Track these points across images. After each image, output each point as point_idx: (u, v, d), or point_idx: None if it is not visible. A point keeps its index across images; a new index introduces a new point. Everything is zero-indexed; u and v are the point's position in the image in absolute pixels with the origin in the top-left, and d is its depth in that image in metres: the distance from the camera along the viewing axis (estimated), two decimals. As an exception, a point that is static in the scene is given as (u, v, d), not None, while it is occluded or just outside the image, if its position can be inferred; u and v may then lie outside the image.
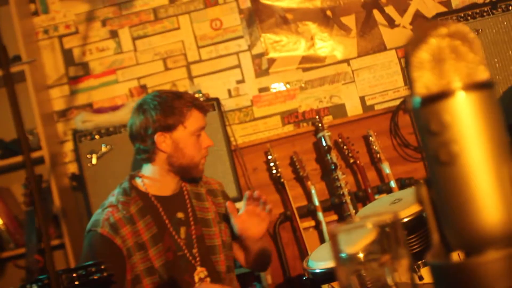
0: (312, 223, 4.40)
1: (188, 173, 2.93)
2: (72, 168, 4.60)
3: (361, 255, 1.01)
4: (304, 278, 2.49)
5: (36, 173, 4.16)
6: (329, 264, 2.37)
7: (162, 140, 2.82)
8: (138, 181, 2.93)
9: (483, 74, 0.80)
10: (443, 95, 0.79)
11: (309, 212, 4.35)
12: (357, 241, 1.00)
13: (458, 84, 0.79)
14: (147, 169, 2.93)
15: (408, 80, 0.82)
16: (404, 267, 0.95)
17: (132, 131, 2.88)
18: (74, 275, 2.41)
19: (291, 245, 4.39)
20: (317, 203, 4.22)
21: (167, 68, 4.71)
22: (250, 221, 2.91)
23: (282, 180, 4.31)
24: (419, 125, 0.82)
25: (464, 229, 0.80)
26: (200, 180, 3.09)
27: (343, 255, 0.99)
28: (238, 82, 4.68)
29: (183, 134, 2.83)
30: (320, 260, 2.47)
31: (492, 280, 0.75)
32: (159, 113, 2.79)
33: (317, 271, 2.43)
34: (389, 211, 2.67)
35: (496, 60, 3.86)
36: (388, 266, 0.96)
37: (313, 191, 4.24)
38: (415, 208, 2.38)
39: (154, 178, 2.91)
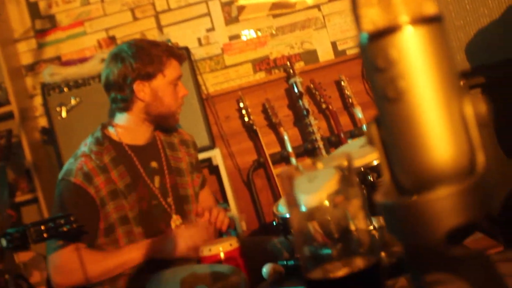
0: (286, 169, 4.40)
1: (165, 122, 2.91)
2: (43, 122, 4.54)
3: (326, 203, 0.99)
4: (274, 223, 2.49)
5: (6, 128, 4.12)
6: (305, 198, 2.36)
7: (141, 89, 2.78)
8: (111, 130, 2.90)
9: (431, 8, 0.78)
10: (390, 30, 0.77)
11: (282, 158, 4.35)
12: (317, 188, 0.99)
13: (405, 18, 0.77)
14: (121, 118, 2.89)
15: (355, 17, 0.80)
16: (358, 209, 0.94)
17: (108, 80, 2.82)
18: (42, 227, 2.40)
19: (265, 191, 4.40)
20: (290, 149, 4.22)
21: (135, 18, 4.64)
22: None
23: (254, 127, 4.29)
24: (367, 63, 0.80)
25: (414, 167, 0.78)
26: (174, 130, 3.08)
27: (302, 208, 0.98)
28: (208, 30, 4.62)
29: (162, 83, 2.80)
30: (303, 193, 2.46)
31: (442, 217, 0.74)
32: (138, 61, 2.75)
33: (287, 215, 2.43)
34: (359, 154, 2.68)
35: (466, 1, 3.84)
36: (347, 209, 0.95)
37: (285, 137, 4.23)
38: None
39: (128, 127, 2.88)
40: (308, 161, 0.91)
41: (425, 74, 0.77)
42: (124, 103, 2.83)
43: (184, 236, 2.73)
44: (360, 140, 2.89)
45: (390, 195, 0.81)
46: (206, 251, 2.80)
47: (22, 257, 3.77)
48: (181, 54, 2.91)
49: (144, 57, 2.76)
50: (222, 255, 2.78)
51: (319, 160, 0.95)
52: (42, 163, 4.41)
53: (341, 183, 0.95)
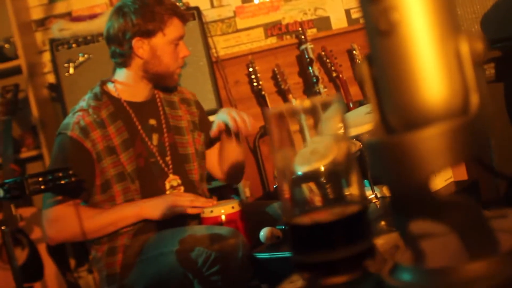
0: (293, 137, 4.34)
1: (162, 81, 2.87)
2: (51, 78, 4.50)
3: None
4: (274, 186, 2.46)
5: (13, 82, 4.08)
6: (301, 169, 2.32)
7: (140, 46, 2.75)
8: (110, 86, 2.87)
9: None
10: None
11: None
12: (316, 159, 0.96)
13: None
14: (121, 74, 2.87)
15: None
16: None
17: (109, 34, 2.80)
18: (40, 179, 2.37)
19: (271, 159, 4.35)
20: (298, 116, 4.16)
21: (148, -23, 4.56)
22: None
23: (263, 93, 4.24)
24: (361, -5, 0.76)
25: (405, 105, 0.74)
26: (174, 89, 3.03)
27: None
28: (221, -8, 4.55)
29: (162, 41, 2.77)
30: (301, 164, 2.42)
31: (431, 157, 0.69)
32: (139, 17, 2.71)
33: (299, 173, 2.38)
34: (365, 120, 2.63)
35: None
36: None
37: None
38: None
39: (127, 84, 2.86)
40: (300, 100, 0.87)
41: (419, 6, 0.72)
42: (123, 58, 2.80)
43: (180, 201, 2.71)
44: (367, 107, 2.84)
45: (378, 135, 0.77)
46: (207, 213, 2.77)
47: (23, 212, 3.75)
48: (185, 14, 2.86)
49: (145, 14, 2.72)
50: (223, 217, 2.75)
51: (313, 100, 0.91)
52: (49, 119, 4.38)
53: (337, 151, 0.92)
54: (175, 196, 2.74)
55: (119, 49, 2.78)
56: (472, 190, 2.55)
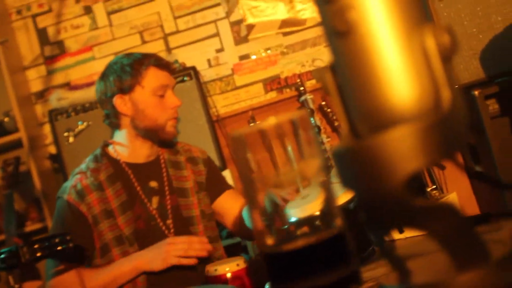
0: (298, 190, 4.27)
1: (156, 136, 2.81)
2: (53, 150, 4.48)
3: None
4: (285, 227, 2.38)
5: (14, 156, 4.06)
6: (303, 212, 2.25)
7: (121, 103, 2.72)
8: (110, 148, 2.85)
9: None
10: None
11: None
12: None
13: None
14: (118, 135, 2.84)
15: None
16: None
17: (97, 98, 2.81)
18: (35, 246, 2.31)
19: (279, 214, 4.27)
20: (303, 168, 4.09)
21: (144, 42, 4.58)
22: None
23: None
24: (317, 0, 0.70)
25: (372, 109, 0.67)
26: (176, 146, 2.98)
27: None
28: (218, 51, 4.55)
29: (142, 94, 2.72)
30: (293, 208, 2.35)
31: (401, 160, 0.63)
32: (115, 76, 2.71)
33: (293, 219, 2.31)
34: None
35: (479, 9, 3.73)
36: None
37: (298, 156, 4.12)
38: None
39: (124, 144, 2.82)
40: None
41: (377, 2, 0.67)
42: (111, 119, 2.79)
43: (175, 245, 2.63)
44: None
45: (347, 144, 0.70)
46: (211, 271, 2.68)
47: (30, 286, 3.68)
48: (164, 61, 2.81)
49: (121, 71, 2.71)
50: (228, 275, 2.66)
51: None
52: (52, 191, 4.32)
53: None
54: (169, 245, 2.65)
55: (106, 111, 2.77)
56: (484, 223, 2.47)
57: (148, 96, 2.73)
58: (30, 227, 4.28)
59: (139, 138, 2.80)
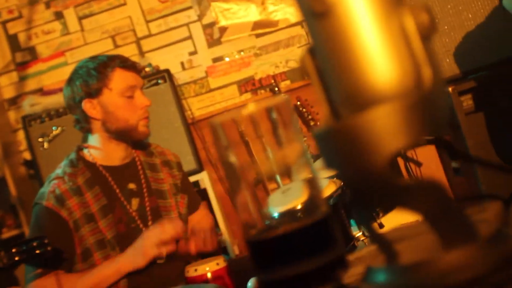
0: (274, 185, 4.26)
1: (129, 136, 2.79)
2: (28, 156, 4.44)
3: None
4: (266, 223, 2.37)
5: (-12, 163, 4.02)
6: (287, 206, 2.25)
7: (90, 107, 2.70)
8: (85, 152, 2.82)
9: None
10: None
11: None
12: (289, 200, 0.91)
13: None
14: (92, 139, 2.82)
15: None
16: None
17: (65, 104, 2.78)
18: (13, 250, 2.28)
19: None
20: (279, 168, 4.09)
21: (116, 46, 4.56)
22: None
23: (246, 138, 4.16)
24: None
25: (352, 91, 0.67)
26: (150, 148, 2.97)
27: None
28: (191, 53, 4.54)
29: (110, 97, 2.70)
30: (277, 205, 2.35)
31: (384, 139, 0.63)
32: (82, 80, 2.68)
33: (275, 215, 2.31)
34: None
35: (449, 6, 3.76)
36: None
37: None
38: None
39: (99, 148, 2.80)
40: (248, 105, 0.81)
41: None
42: (81, 123, 2.76)
43: (149, 236, 2.61)
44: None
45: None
46: (192, 272, 2.67)
47: (8, 293, 3.65)
48: (130, 62, 2.78)
49: (87, 75, 2.68)
50: (209, 275, 2.66)
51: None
52: (28, 197, 4.28)
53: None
54: (144, 239, 2.64)
55: (76, 115, 2.75)
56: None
57: (117, 98, 2.71)
58: (6, 234, 4.24)
59: (113, 141, 2.78)
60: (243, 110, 0.82)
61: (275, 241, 0.79)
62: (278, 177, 0.92)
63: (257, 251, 0.80)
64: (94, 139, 2.79)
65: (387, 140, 0.63)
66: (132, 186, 2.81)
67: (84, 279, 2.61)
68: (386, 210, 2.03)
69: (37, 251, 2.31)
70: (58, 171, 2.75)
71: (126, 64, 2.74)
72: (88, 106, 2.69)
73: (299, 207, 0.94)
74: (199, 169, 3.95)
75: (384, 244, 0.71)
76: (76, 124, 2.80)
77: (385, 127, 0.63)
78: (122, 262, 2.61)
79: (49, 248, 2.35)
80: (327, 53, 0.69)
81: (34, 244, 2.32)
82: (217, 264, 2.69)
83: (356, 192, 0.68)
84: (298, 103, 4.28)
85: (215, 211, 4.01)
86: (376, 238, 0.71)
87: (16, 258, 2.27)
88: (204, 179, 3.97)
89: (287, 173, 0.86)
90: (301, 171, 0.83)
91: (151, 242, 2.58)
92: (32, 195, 4.30)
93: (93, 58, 2.77)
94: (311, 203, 0.85)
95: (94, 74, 2.68)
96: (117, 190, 2.75)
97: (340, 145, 0.65)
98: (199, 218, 3.03)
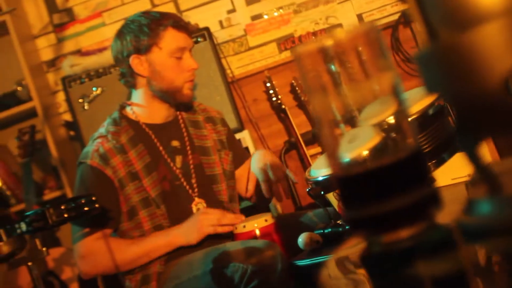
0: (319, 149, 4.21)
1: (173, 98, 2.78)
2: (68, 117, 4.43)
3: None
4: (308, 190, 2.34)
5: (29, 125, 4.02)
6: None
7: (138, 63, 2.69)
8: (128, 110, 2.81)
9: None
10: None
11: (314, 137, 4.16)
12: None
13: None
14: (135, 96, 2.81)
15: None
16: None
17: (113, 56, 2.77)
18: (62, 207, 2.27)
19: (299, 174, 4.22)
20: (321, 126, 4.02)
21: (154, 5, 4.51)
22: None
23: (283, 106, 4.12)
24: None
25: (455, 9, 0.62)
26: (193, 107, 2.94)
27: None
28: (229, 12, 4.47)
29: (159, 56, 2.68)
30: (322, 168, 2.31)
31: (498, 56, 0.57)
32: (132, 35, 2.67)
33: (320, 178, 2.27)
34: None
35: None
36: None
37: (316, 115, 4.04)
38: (419, 106, 2.22)
39: (142, 105, 2.78)
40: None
41: None
42: (126, 78, 2.75)
43: (208, 215, 2.60)
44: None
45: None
46: (240, 228, 2.66)
47: (52, 253, 3.66)
48: (183, 23, 2.75)
49: (139, 30, 2.66)
50: (257, 231, 2.64)
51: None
52: (69, 159, 4.29)
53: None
54: (202, 215, 2.62)
55: (122, 70, 2.73)
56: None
57: (165, 58, 2.68)
58: (48, 195, 4.25)
59: (156, 99, 2.77)
60: (329, 38, 0.77)
61: (364, 176, 0.74)
62: (342, 126, 0.86)
63: (345, 187, 0.75)
64: (138, 96, 2.78)
65: (500, 58, 0.57)
66: (175, 143, 2.79)
67: (135, 247, 2.61)
68: (497, 135, 1.95)
69: (86, 208, 2.30)
70: (102, 130, 2.73)
71: (179, 24, 2.71)
72: (136, 62, 2.67)
73: (365, 153, 0.88)
74: (240, 128, 3.92)
75: (488, 174, 0.66)
76: (121, 78, 2.78)
77: (496, 44, 0.58)
78: (175, 235, 2.61)
79: (97, 206, 2.33)
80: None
81: (82, 201, 2.31)
82: (266, 220, 2.67)
83: (463, 115, 0.63)
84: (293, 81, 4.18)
85: (257, 170, 3.96)
86: (480, 168, 0.66)
87: (65, 216, 2.26)
88: (245, 138, 3.93)
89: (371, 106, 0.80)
90: (391, 103, 0.77)
91: (209, 222, 2.57)
92: (73, 156, 4.32)
93: (146, 13, 2.74)
94: (385, 144, 0.80)
95: (146, 30, 2.65)
96: (161, 148, 2.73)
97: (447, 66, 0.60)
98: (246, 171, 2.99)
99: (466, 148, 0.66)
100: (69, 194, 4.13)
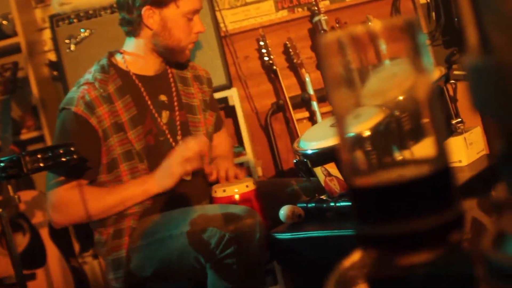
0: (306, 114, 4.13)
1: (172, 56, 2.73)
2: (52, 57, 4.30)
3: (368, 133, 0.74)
4: (295, 161, 2.27)
5: (11, 61, 3.89)
6: (323, 143, 2.13)
7: (150, 15, 2.60)
8: (119, 58, 2.71)
9: None
10: None
11: (303, 102, 4.07)
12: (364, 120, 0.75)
13: None
14: (130, 45, 2.71)
15: None
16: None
17: (118, 0, 2.66)
18: (38, 156, 2.19)
19: (283, 137, 4.15)
20: (311, 91, 3.94)
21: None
22: None
23: (275, 67, 4.01)
24: None
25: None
26: (186, 64, 2.87)
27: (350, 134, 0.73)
28: (228, -37, 4.33)
29: (174, 13, 2.62)
30: (312, 140, 2.23)
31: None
32: None
33: (309, 152, 2.20)
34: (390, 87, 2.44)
35: None
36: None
37: (307, 79, 3.96)
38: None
39: (136, 54, 2.70)
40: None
41: None
42: (131, 26, 2.65)
43: (174, 155, 2.54)
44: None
45: (477, 56, 0.55)
46: (220, 192, 2.60)
47: (24, 195, 3.57)
48: None
49: None
50: (237, 196, 2.58)
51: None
52: (50, 99, 4.18)
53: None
54: (170, 160, 2.56)
55: (128, 16, 2.64)
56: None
57: (179, 17, 2.64)
58: (26, 135, 4.15)
59: (154, 53, 2.70)
60: (360, 27, 0.67)
61: (383, 190, 0.65)
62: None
63: (361, 199, 0.67)
64: (135, 45, 2.69)
65: None
66: (163, 98, 2.73)
67: (110, 195, 2.55)
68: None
69: (63, 159, 2.22)
70: (88, 76, 2.64)
71: None
72: (148, 13, 2.59)
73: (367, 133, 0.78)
74: (229, 85, 3.82)
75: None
76: (124, 24, 2.68)
77: None
78: (151, 183, 2.56)
79: (75, 157, 2.26)
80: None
81: (60, 151, 2.22)
82: (246, 186, 2.61)
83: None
84: (337, 25, 4.10)
85: (242, 130, 3.90)
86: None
87: (41, 165, 2.18)
88: (233, 95, 3.84)
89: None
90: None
91: (176, 161, 2.51)
92: (54, 97, 4.21)
93: None
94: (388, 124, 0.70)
95: None
96: (149, 102, 2.67)
97: (503, 85, 0.51)
98: (221, 140, 2.98)
99: (507, 179, 0.57)
100: (47, 135, 4.03)
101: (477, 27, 0.57)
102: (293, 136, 4.03)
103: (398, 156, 0.68)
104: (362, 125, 0.73)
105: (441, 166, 0.65)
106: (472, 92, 0.55)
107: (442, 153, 0.66)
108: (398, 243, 0.63)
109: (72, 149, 2.23)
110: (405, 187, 0.64)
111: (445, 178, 0.64)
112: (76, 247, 3.91)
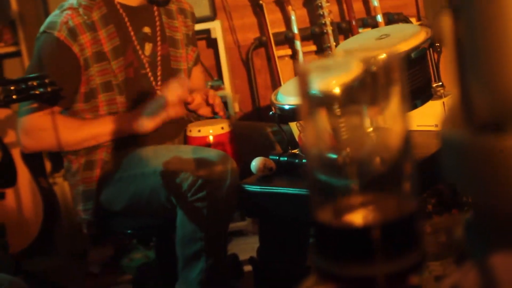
0: (289, 51, 4.08)
1: None
2: (34, -31, 4.17)
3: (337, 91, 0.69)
4: (270, 113, 2.25)
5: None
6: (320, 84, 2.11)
7: None
8: None
9: None
10: None
11: (286, 39, 4.02)
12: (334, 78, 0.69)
13: None
14: None
15: None
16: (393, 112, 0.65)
17: None
18: (12, 88, 2.15)
19: (263, 73, 4.12)
20: (296, 30, 3.89)
21: None
22: None
23: (260, 1, 3.94)
24: None
25: (505, 89, 0.51)
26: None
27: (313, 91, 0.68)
28: None
29: None
30: (290, 95, 2.22)
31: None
32: None
33: (286, 107, 2.18)
34: (377, 46, 2.40)
35: None
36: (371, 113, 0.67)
37: (293, 17, 3.90)
38: (404, 46, 2.12)
39: None
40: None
41: None
42: None
43: (158, 100, 2.53)
44: (378, 31, 2.58)
45: (455, 124, 0.53)
46: (194, 132, 2.58)
47: (-4, 113, 3.54)
48: None
49: None
50: (211, 138, 2.56)
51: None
52: (29, 15, 4.08)
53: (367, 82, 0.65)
54: (153, 104, 2.55)
55: None
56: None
57: None
58: (2, 49, 4.07)
59: None
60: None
61: (345, 231, 0.64)
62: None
63: (322, 235, 0.66)
64: None
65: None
66: (147, 29, 2.68)
67: (84, 128, 2.53)
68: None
69: (36, 92, 2.18)
70: (72, 1, 2.56)
71: None
72: None
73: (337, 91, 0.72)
74: (213, 17, 3.76)
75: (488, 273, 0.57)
76: None
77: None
78: (128, 122, 2.53)
79: (49, 89, 2.22)
80: (479, 25, 0.51)
81: (34, 83, 2.18)
82: (222, 128, 2.59)
83: (481, 217, 0.54)
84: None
85: (222, 63, 3.86)
86: (483, 268, 0.57)
87: (14, 97, 2.14)
88: (216, 28, 3.78)
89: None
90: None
91: (160, 105, 2.49)
92: (33, 13, 4.11)
93: None
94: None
95: None
96: (132, 33, 2.62)
97: (481, 166, 0.49)
98: (198, 74, 2.95)
99: (473, 249, 0.56)
100: (24, 51, 3.96)
101: (461, 91, 0.55)
102: (273, 73, 4.00)
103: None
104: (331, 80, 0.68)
105: (406, 211, 0.64)
106: (445, 164, 0.54)
107: (407, 196, 0.64)
108: (356, 285, 0.63)
109: (46, 81, 2.19)
110: (368, 231, 0.63)
111: (409, 223, 0.63)
112: (48, 166, 3.90)
